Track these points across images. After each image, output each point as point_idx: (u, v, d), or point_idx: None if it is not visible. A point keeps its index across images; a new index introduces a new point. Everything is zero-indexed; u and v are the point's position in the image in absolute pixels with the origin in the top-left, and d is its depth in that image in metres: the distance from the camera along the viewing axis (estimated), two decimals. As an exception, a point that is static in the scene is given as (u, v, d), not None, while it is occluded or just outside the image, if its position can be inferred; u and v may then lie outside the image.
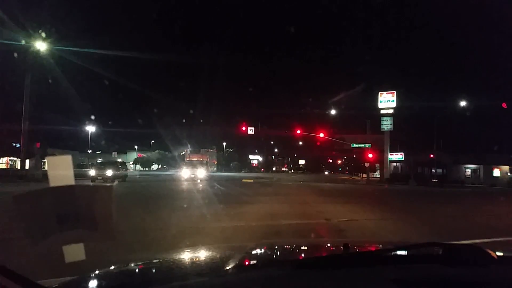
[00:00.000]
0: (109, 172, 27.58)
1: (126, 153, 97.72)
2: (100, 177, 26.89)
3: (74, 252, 1.85)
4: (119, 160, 50.53)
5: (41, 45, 27.13)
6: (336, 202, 15.90)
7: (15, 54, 27.33)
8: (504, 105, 33.67)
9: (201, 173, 38.25)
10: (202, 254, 2.25)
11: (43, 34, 26.87)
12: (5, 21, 24.27)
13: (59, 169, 1.98)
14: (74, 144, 69.41)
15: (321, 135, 43.38)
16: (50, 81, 33.09)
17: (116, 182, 25.95)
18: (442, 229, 8.96)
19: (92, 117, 56.53)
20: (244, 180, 36.92)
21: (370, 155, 42.08)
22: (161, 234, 7.25)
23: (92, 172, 27.89)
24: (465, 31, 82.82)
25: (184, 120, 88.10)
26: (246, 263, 1.88)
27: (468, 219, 11.36)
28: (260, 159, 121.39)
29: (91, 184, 21.63)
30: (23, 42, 26.23)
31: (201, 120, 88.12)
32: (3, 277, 1.27)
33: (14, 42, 25.73)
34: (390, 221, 10.25)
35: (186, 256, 2.23)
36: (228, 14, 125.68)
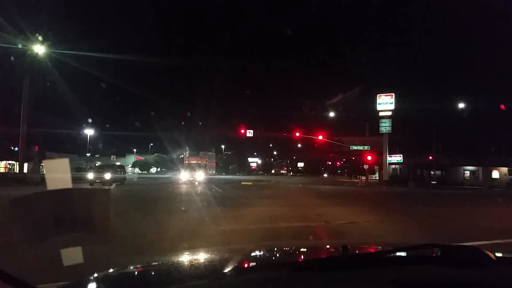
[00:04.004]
0: (107, 175, 27.56)
1: (125, 156, 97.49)
2: (98, 180, 26.85)
3: (72, 255, 1.84)
4: (118, 163, 50.44)
5: (39, 49, 27.13)
6: (335, 204, 15.88)
7: (13, 58, 27.31)
8: (502, 106, 33.75)
9: (200, 176, 38.09)
10: (201, 257, 2.24)
11: (41, 38, 26.88)
12: (3, 25, 24.27)
13: (57, 172, 1.97)
14: (73, 148, 69.21)
15: (320, 137, 43.42)
16: (48, 84, 33.11)
17: (114, 185, 25.90)
18: (442, 231, 8.94)
19: (90, 120, 56.44)
20: (243, 183, 36.87)
21: (369, 157, 42.13)
22: (159, 238, 7.21)
23: (90, 176, 27.86)
24: (463, 32, 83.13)
25: (182, 123, 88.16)
26: (245, 265, 1.87)
27: (468, 220, 11.34)
28: (259, 161, 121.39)
29: (89, 187, 21.59)
30: (21, 45, 26.22)
31: (200, 123, 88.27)
32: (1, 282, 1.26)
33: (12, 46, 25.72)
34: (390, 223, 10.24)
35: (184, 259, 2.22)
36: (226, 17, 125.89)
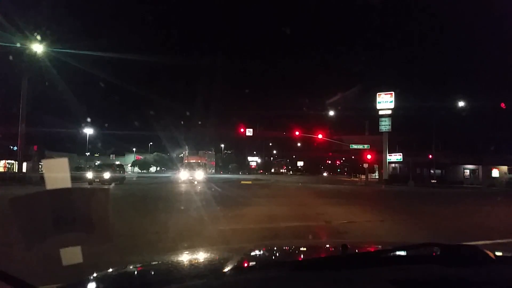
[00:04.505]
0: (107, 175, 27.50)
1: (124, 155, 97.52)
2: (98, 180, 26.80)
3: (71, 255, 1.84)
4: (117, 162, 50.42)
5: (38, 47, 27.04)
6: (335, 203, 15.85)
7: (12, 57, 27.22)
8: (502, 105, 33.69)
9: (199, 175, 38.04)
10: (201, 256, 2.24)
11: (40, 36, 26.80)
12: (2, 23, 24.19)
13: (56, 171, 1.97)
14: (72, 147, 69.28)
15: (320, 136, 43.38)
16: (47, 83, 33.01)
17: (113, 185, 25.86)
18: (443, 231, 8.90)
19: (90, 120, 56.37)
20: (242, 182, 36.86)
21: (369, 156, 42.11)
22: (158, 238, 7.17)
23: (89, 175, 27.80)
24: (463, 31, 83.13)
25: (182, 122, 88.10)
26: (245, 264, 1.87)
27: (469, 220, 11.30)
28: (259, 160, 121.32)
29: (88, 186, 21.56)
30: (19, 44, 26.14)
31: (199, 122, 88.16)
32: (3, 283, 1.27)
33: (10, 44, 25.63)
34: (391, 223, 10.20)
35: (184, 258, 2.22)
36: (226, 16, 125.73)
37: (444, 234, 8.33)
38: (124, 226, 7.61)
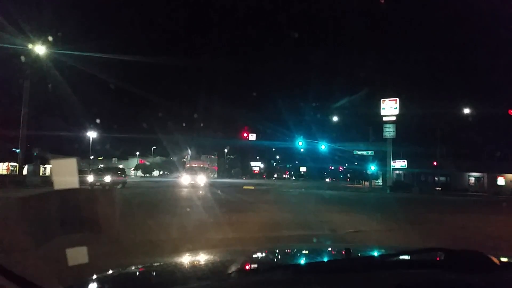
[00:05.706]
0: (107, 178, 27.27)
1: (127, 159, 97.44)
2: (99, 183, 26.55)
3: (77, 255, 1.91)
4: (121, 166, 50.27)
5: (40, 49, 26.94)
6: (339, 210, 15.50)
7: (15, 59, 27.12)
8: (510, 112, 33.14)
9: (202, 179, 37.75)
10: (204, 258, 2.24)
11: (44, 39, 26.75)
12: (4, 25, 24.09)
13: (64, 172, 2.16)
14: (75, 150, 68.98)
15: (323, 147, 43.01)
16: (50, 86, 32.89)
17: (119, 187, 25.59)
18: (454, 241, 8.46)
19: (94, 122, 56.30)
20: (245, 187, 36.54)
21: (373, 163, 41.72)
22: (156, 244, 6.82)
23: (90, 178, 27.51)
24: (469, 36, 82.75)
25: (184, 125, 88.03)
26: (248, 267, 1.87)
27: (479, 229, 10.88)
28: (262, 165, 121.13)
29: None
30: (22, 46, 26.04)
31: (202, 125, 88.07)
32: (10, 283, 1.28)
33: (13, 46, 25.53)
34: (399, 232, 9.77)
35: (187, 260, 2.23)
36: (231, 20, 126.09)
37: (457, 245, 7.90)
38: (124, 229, 7.27)
